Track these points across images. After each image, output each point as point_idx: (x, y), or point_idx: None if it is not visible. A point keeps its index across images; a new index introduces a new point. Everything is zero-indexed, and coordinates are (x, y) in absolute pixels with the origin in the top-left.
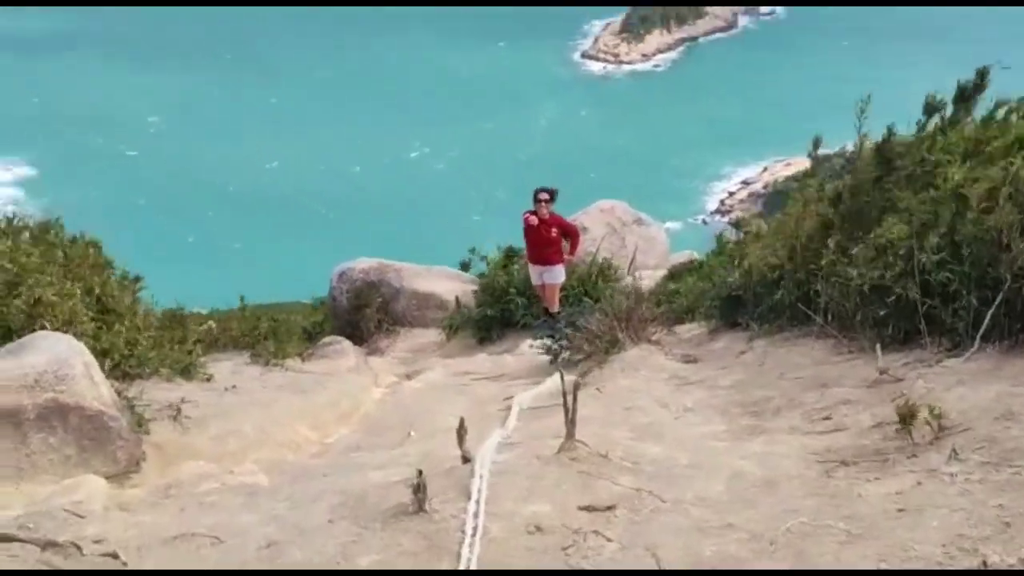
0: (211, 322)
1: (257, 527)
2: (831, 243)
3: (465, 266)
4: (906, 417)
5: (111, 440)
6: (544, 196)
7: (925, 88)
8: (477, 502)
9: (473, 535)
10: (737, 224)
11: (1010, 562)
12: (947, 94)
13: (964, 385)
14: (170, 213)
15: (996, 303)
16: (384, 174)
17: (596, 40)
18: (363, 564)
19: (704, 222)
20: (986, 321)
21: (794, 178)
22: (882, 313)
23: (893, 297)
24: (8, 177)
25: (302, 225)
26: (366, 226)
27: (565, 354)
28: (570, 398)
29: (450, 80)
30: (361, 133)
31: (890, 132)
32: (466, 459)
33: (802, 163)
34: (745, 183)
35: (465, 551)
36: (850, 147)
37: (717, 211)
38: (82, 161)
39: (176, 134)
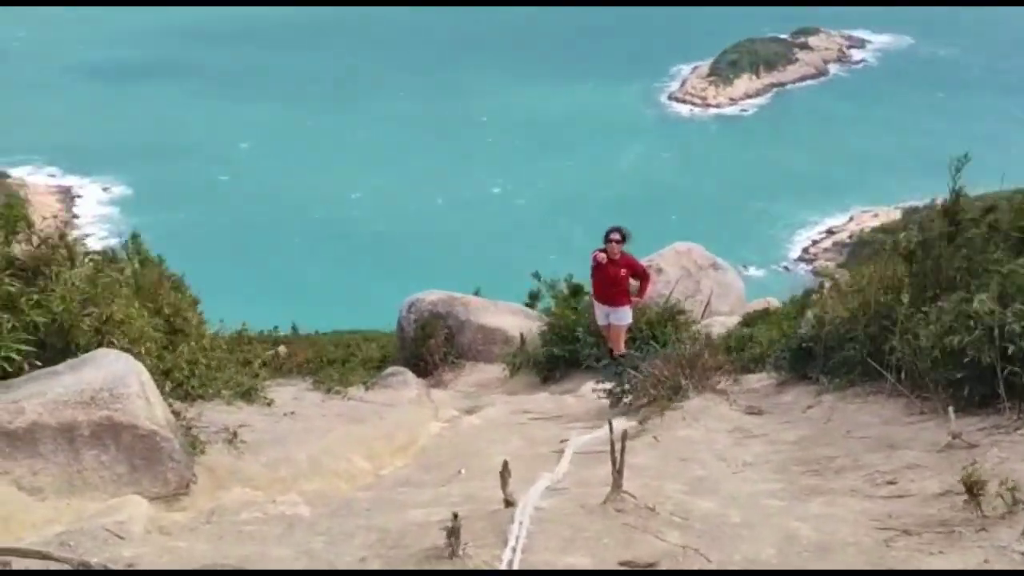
0: (281, 347)
1: (288, 562)
2: (904, 299)
3: (533, 297)
4: (973, 487)
5: (162, 461)
6: (615, 236)
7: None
8: (513, 549)
9: None
10: (817, 272)
11: None
12: None
13: None
14: (256, 236)
15: None
16: (465, 209)
17: (684, 83)
18: None
19: (786, 269)
20: None
21: (881, 229)
22: (958, 376)
23: (968, 359)
24: (106, 197)
25: (382, 255)
26: (444, 259)
27: (627, 398)
28: (618, 446)
29: (536, 118)
30: (445, 168)
31: (957, 193)
32: (509, 503)
33: (889, 214)
34: (830, 232)
35: None
36: (939, 200)
37: (800, 259)
38: (175, 183)
39: (266, 161)
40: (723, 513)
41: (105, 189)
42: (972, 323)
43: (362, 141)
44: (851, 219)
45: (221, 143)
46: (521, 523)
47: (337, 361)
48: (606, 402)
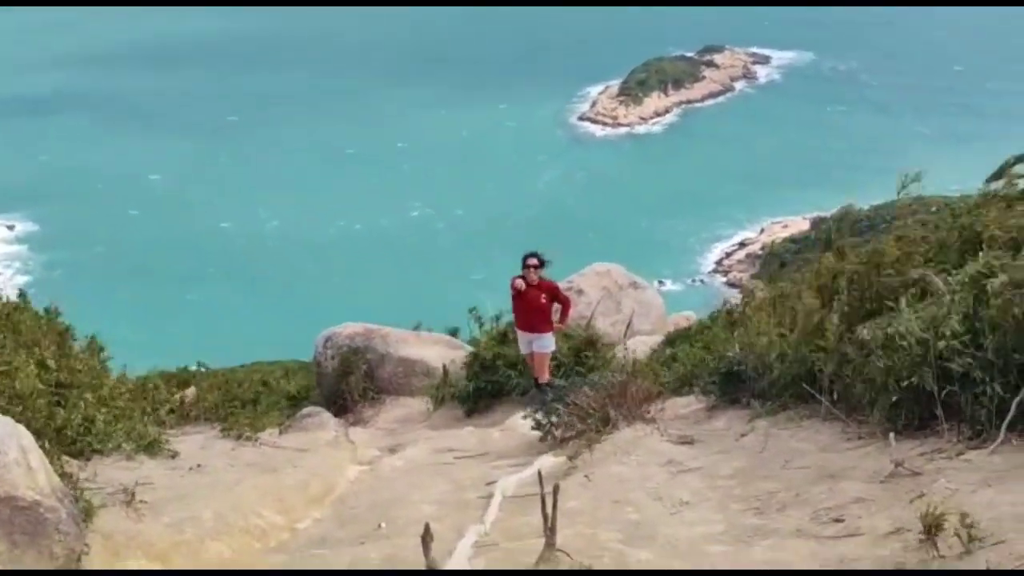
0: (190, 389)
1: None
2: (835, 319)
3: (453, 332)
4: (931, 528)
5: (47, 534)
6: (533, 261)
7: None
8: None
9: None
10: (738, 287)
11: None
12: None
13: (992, 486)
14: (169, 270)
15: (1023, 393)
16: (384, 234)
17: (594, 103)
18: None
19: (702, 282)
20: (1012, 410)
21: (791, 239)
22: (894, 399)
23: (906, 383)
24: (11, 235)
25: (300, 285)
26: (363, 287)
27: (556, 431)
28: (549, 500)
29: (451, 140)
30: (362, 192)
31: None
32: (432, 570)
33: (799, 225)
34: (742, 244)
35: None
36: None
37: (714, 271)
38: (85, 219)
39: (178, 193)
40: (664, 565)
41: (10, 227)
42: (905, 345)
43: (277, 170)
44: (762, 231)
45: (131, 175)
46: None
47: (249, 402)
48: (533, 435)
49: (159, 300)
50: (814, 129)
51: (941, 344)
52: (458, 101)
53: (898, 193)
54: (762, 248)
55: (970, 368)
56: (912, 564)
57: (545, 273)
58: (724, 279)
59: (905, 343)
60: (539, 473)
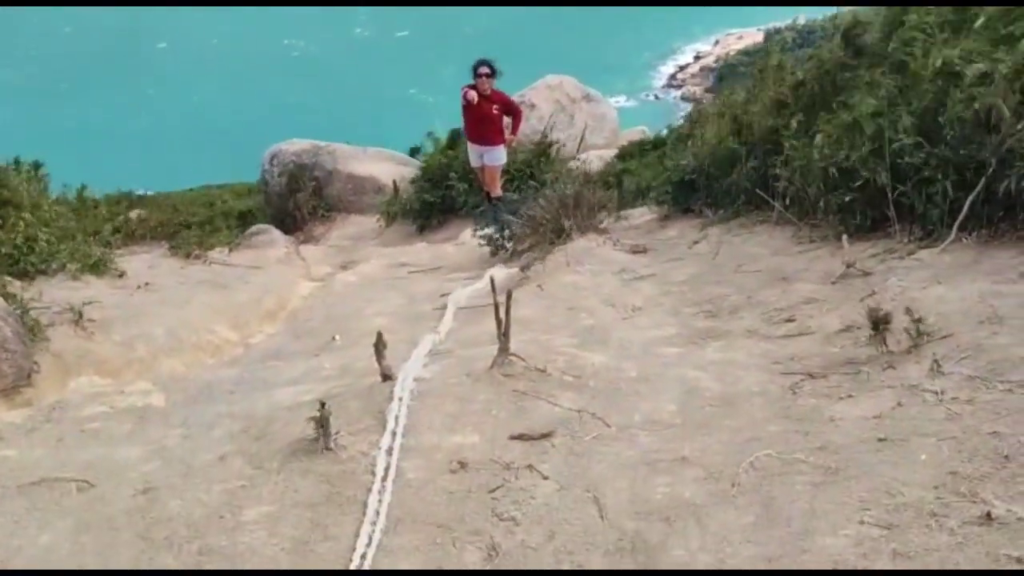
0: (135, 211)
1: (138, 464)
2: (792, 123)
3: (414, 151)
4: (879, 324)
5: None
6: (485, 70)
7: None
8: (393, 434)
9: (384, 478)
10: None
11: (1015, 510)
12: None
13: (942, 283)
14: (107, 93)
15: (977, 190)
16: (327, 50)
17: None
18: (250, 517)
19: (656, 97)
20: (964, 209)
21: (746, 52)
22: (847, 199)
23: (860, 182)
24: None
25: (246, 106)
26: (309, 105)
27: (508, 244)
28: (502, 307)
29: None
30: (304, 10)
31: (856, 19)
32: (386, 376)
33: (754, 36)
34: (697, 57)
35: (373, 500)
36: (802, 20)
37: (668, 86)
38: (17, 35)
39: (111, 13)
40: (617, 367)
41: None
42: (858, 139)
43: None
44: (717, 43)
45: None
46: (401, 399)
47: (196, 223)
48: (487, 249)
49: (97, 124)
50: None
51: (895, 141)
52: None
53: None
54: (716, 61)
55: (923, 166)
56: (861, 359)
57: (496, 84)
58: (678, 93)
59: (858, 139)
60: (491, 280)
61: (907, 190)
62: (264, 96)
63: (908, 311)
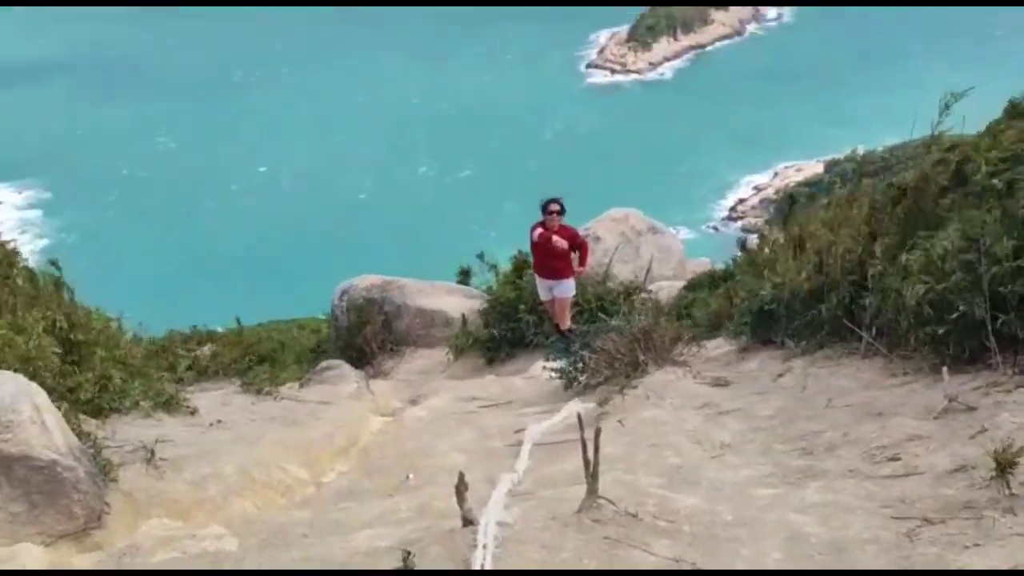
0: (208, 345)
1: None
2: (878, 251)
3: (465, 274)
4: (1005, 465)
5: (65, 493)
6: (555, 207)
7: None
8: None
9: None
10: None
11: None
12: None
13: None
14: (181, 231)
15: None
16: (394, 192)
17: (603, 50)
18: None
19: (716, 229)
20: None
21: (805, 183)
22: (941, 331)
23: (956, 314)
24: (22, 200)
25: (316, 243)
26: (377, 244)
27: (581, 378)
28: (590, 445)
29: (458, 96)
30: (371, 153)
31: (955, 144)
32: (467, 521)
33: (813, 168)
34: (756, 189)
35: None
36: (860, 151)
37: (728, 217)
38: (95, 182)
39: (184, 156)
40: (711, 510)
41: (19, 192)
42: (950, 268)
43: (283, 128)
44: (776, 175)
45: (137, 138)
46: (485, 546)
47: (267, 358)
48: (557, 383)
49: (173, 263)
50: (827, 69)
51: (993, 268)
52: (464, 54)
53: (940, 115)
54: (776, 193)
55: None
56: (981, 503)
57: (563, 220)
58: (738, 225)
59: (949, 266)
60: (579, 416)
61: (1009, 319)
62: (333, 236)
63: None
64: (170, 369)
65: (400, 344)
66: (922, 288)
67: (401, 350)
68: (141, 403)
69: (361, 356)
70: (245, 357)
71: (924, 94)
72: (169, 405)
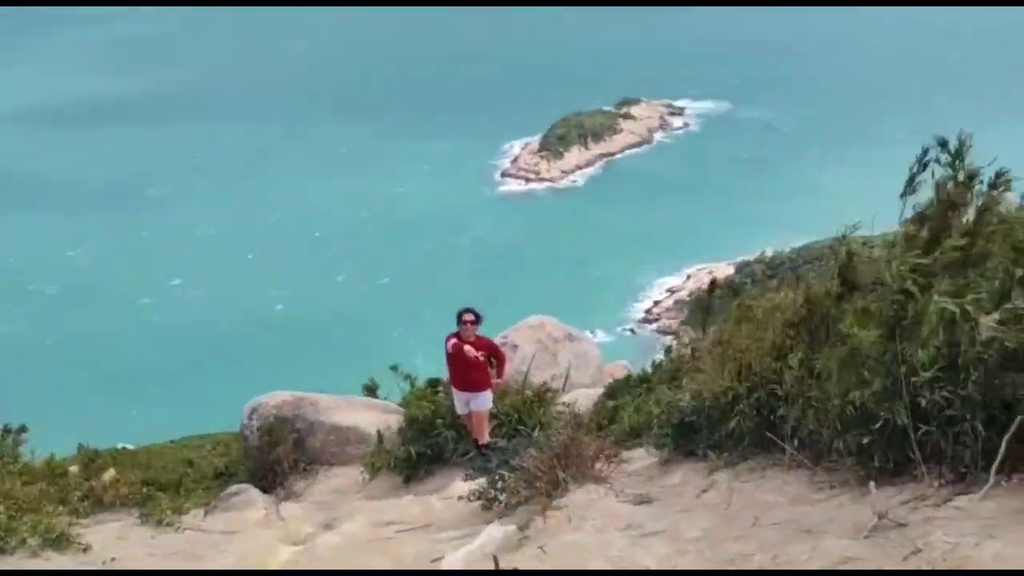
0: (108, 472)
1: None
2: (793, 360)
3: (371, 390)
4: None
5: None
6: (469, 317)
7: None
8: None
9: None
10: (668, 334)
11: None
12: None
13: (995, 537)
14: (91, 346)
15: (1012, 430)
16: (312, 301)
17: (516, 159)
18: None
19: (632, 331)
20: (1002, 450)
21: (718, 285)
22: (865, 441)
23: (879, 424)
24: None
25: (231, 355)
26: (294, 355)
27: (501, 497)
28: None
29: (376, 206)
30: (289, 263)
31: (850, 254)
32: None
33: (723, 270)
34: (670, 291)
35: None
36: (769, 253)
37: (644, 320)
38: (2, 297)
39: (96, 270)
40: None
41: None
42: (867, 374)
43: (194, 242)
44: (688, 277)
45: (44, 255)
46: None
47: (172, 483)
48: (477, 503)
49: (84, 378)
50: (731, 176)
51: (914, 378)
52: (381, 165)
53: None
54: (689, 295)
55: (948, 405)
56: None
57: (478, 329)
58: (654, 327)
59: (867, 374)
60: (494, 559)
61: (932, 429)
62: (251, 347)
63: None
64: (62, 502)
65: (313, 463)
66: (839, 398)
67: (315, 469)
68: (28, 540)
69: (272, 477)
70: (146, 484)
71: (823, 197)
72: (59, 542)
